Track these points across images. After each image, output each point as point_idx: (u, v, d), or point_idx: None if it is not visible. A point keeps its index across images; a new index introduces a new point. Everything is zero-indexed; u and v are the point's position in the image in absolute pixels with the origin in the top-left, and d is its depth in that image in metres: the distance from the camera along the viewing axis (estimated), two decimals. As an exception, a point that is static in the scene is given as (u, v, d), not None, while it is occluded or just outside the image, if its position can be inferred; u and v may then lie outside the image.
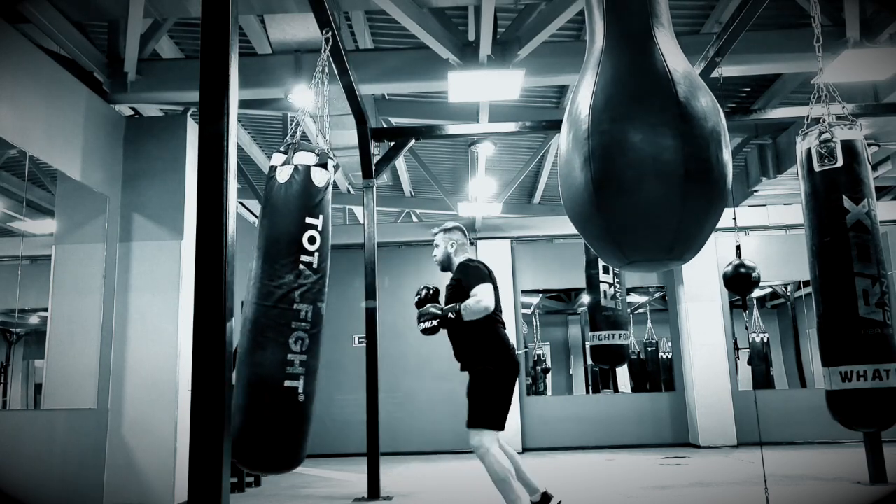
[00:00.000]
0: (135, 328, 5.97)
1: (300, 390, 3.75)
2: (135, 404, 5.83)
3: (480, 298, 3.97)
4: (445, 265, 4.39)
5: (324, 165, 4.01)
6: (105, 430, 5.76)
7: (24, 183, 5.94)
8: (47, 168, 5.64)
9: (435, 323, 4.03)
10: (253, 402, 3.66)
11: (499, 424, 3.94)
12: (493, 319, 4.10)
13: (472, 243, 10.73)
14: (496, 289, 4.17)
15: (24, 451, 4.82)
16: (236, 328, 3.72)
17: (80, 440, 5.47)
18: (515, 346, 4.26)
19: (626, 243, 2.35)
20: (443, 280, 4.50)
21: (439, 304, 4.21)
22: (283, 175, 3.93)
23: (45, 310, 5.85)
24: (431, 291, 4.27)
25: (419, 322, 4.07)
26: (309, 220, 3.92)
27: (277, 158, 3.98)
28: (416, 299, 4.27)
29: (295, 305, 3.80)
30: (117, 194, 6.13)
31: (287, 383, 3.70)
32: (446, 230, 4.40)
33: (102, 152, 5.93)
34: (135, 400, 5.83)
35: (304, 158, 3.97)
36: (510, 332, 10.35)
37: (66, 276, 5.86)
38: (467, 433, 3.92)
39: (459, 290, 4.12)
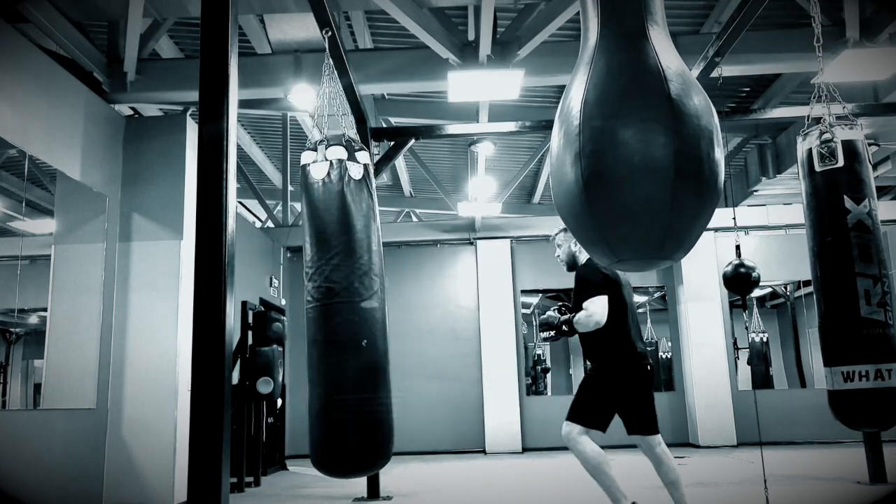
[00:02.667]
0: (134, 328, 5.96)
1: None
2: (134, 404, 5.82)
3: (591, 313, 3.84)
4: (571, 265, 4.26)
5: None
6: (104, 429, 5.75)
7: (24, 183, 5.93)
8: (47, 168, 5.64)
9: (552, 333, 3.99)
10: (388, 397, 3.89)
11: (591, 422, 3.92)
12: (618, 321, 3.97)
13: (471, 243, 10.83)
14: (620, 287, 4.02)
15: (23, 451, 4.81)
16: (236, 328, 3.73)
17: (79, 440, 5.46)
18: (644, 350, 4.08)
19: (616, 241, 2.34)
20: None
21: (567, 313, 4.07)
22: (355, 172, 3.99)
23: (45, 309, 5.84)
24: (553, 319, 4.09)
25: (540, 331, 4.04)
26: None
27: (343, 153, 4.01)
28: (541, 320, 4.13)
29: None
30: (117, 194, 6.12)
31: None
32: (565, 230, 4.19)
33: (102, 152, 5.93)
34: (134, 400, 5.83)
35: (363, 157, 4.08)
36: (509, 333, 10.20)
37: (65, 275, 5.86)
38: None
39: (576, 296, 4.01)
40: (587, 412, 3.93)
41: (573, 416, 3.94)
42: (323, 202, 3.86)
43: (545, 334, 4.01)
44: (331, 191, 3.87)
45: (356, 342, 3.73)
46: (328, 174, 3.89)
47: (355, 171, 3.99)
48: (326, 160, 3.92)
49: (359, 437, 3.67)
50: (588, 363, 4.12)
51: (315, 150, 3.96)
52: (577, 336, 4.02)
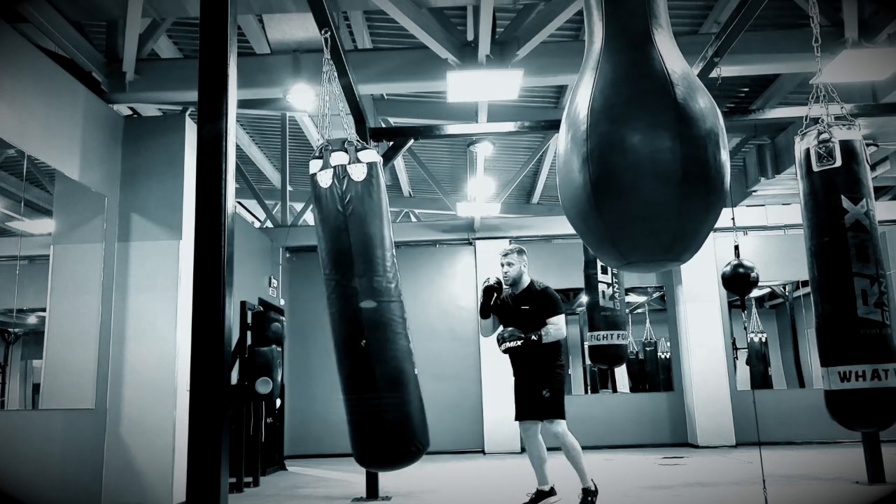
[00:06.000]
0: (133, 328, 5.96)
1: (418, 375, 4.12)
2: (133, 404, 5.82)
3: (560, 328, 4.74)
4: (516, 281, 4.92)
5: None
6: (103, 430, 5.75)
7: (23, 183, 5.92)
8: (45, 168, 5.63)
9: (520, 343, 4.68)
10: (412, 393, 4.01)
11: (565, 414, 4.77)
12: None
13: (470, 243, 10.83)
14: None
15: (22, 452, 4.81)
16: (234, 329, 3.74)
17: (78, 440, 5.46)
18: None
19: (625, 244, 2.35)
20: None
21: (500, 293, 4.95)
22: (358, 173, 4.02)
23: (44, 310, 5.83)
24: (498, 283, 4.94)
25: (507, 341, 4.69)
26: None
27: (342, 157, 4.04)
28: (488, 284, 4.92)
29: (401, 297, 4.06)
30: (115, 194, 6.12)
31: (416, 371, 4.10)
32: (519, 252, 4.94)
33: (101, 152, 5.92)
34: (133, 400, 5.83)
35: (370, 156, 4.10)
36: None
37: (64, 275, 5.85)
38: (550, 423, 4.74)
39: (538, 311, 4.77)
40: (564, 406, 4.75)
41: (561, 413, 4.71)
42: (328, 214, 3.95)
43: (513, 344, 4.70)
44: (335, 200, 3.94)
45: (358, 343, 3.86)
46: (332, 181, 3.95)
47: (358, 174, 4.00)
48: (331, 167, 3.98)
49: (381, 435, 3.85)
50: (543, 366, 4.78)
51: (321, 157, 4.02)
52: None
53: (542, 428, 4.81)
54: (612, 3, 2.48)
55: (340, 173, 3.97)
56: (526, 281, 4.93)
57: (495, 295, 4.94)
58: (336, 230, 3.91)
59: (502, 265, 4.94)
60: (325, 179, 3.96)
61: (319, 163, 4.01)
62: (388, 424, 3.87)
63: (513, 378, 4.98)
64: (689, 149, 2.21)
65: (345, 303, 3.87)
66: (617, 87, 2.34)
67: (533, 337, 4.67)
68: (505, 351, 4.77)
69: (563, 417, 4.70)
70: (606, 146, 2.27)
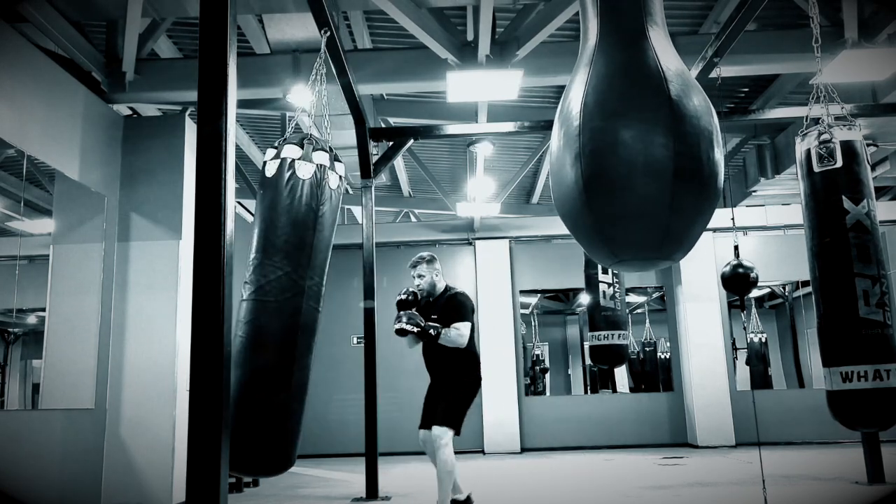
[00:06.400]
0: (133, 328, 5.95)
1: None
2: (133, 404, 5.81)
3: (462, 334, 4.46)
4: (430, 292, 4.73)
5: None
6: (103, 430, 5.75)
7: (22, 182, 5.91)
8: (45, 168, 5.63)
9: (415, 331, 4.41)
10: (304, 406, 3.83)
11: (460, 428, 4.48)
12: (474, 344, 4.67)
13: (470, 243, 10.82)
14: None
15: (21, 452, 4.81)
16: (234, 328, 3.73)
17: (77, 440, 5.45)
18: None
19: (616, 241, 2.33)
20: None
21: (418, 305, 4.66)
22: (333, 182, 4.01)
23: (43, 309, 5.83)
24: (413, 296, 4.66)
25: (401, 321, 4.37)
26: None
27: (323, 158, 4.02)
28: (401, 298, 4.61)
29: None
30: (115, 194, 6.12)
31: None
32: (429, 261, 4.73)
33: (100, 152, 5.92)
34: (133, 400, 5.82)
35: (342, 170, 4.15)
36: (508, 333, 10.39)
37: (64, 275, 5.85)
38: (432, 428, 4.47)
39: (444, 318, 4.54)
40: (460, 419, 4.46)
41: (450, 422, 4.41)
42: (298, 204, 3.85)
43: (408, 328, 4.37)
44: (311, 195, 3.87)
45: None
46: (312, 176, 3.89)
47: (333, 181, 4.02)
48: (312, 162, 3.91)
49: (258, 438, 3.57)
50: (452, 376, 4.59)
51: (302, 146, 3.94)
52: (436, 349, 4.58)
53: (428, 435, 4.55)
54: (607, 1, 2.47)
55: (320, 173, 3.91)
56: (440, 288, 4.72)
57: (411, 308, 4.62)
58: (303, 224, 3.81)
59: (413, 278, 4.73)
60: (305, 171, 3.85)
61: (300, 151, 3.90)
62: (289, 428, 3.65)
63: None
64: (682, 146, 2.20)
65: (289, 297, 3.73)
66: (610, 83, 2.33)
67: (431, 331, 4.37)
68: (398, 332, 4.40)
69: (452, 427, 4.39)
70: (599, 142, 2.25)
